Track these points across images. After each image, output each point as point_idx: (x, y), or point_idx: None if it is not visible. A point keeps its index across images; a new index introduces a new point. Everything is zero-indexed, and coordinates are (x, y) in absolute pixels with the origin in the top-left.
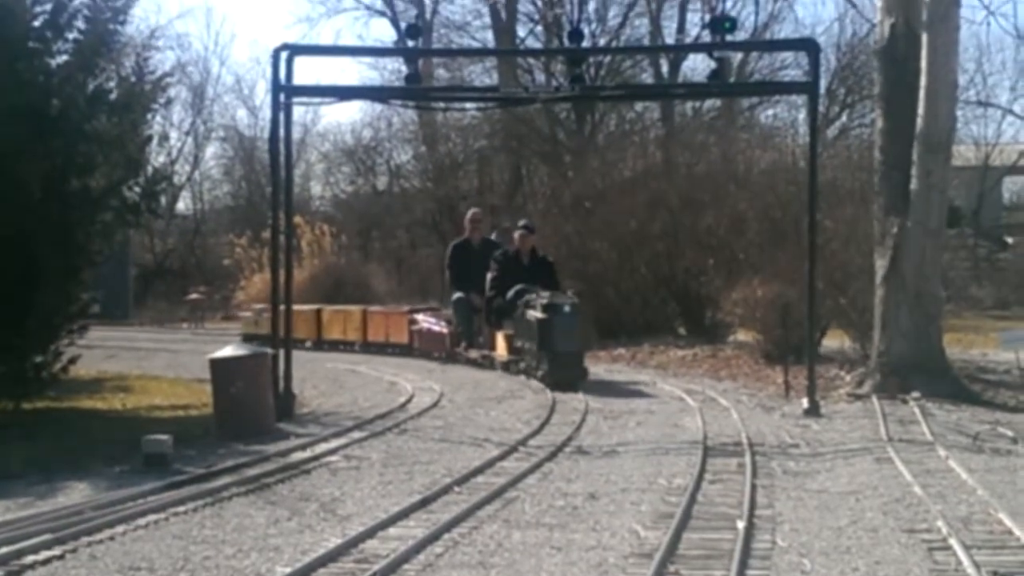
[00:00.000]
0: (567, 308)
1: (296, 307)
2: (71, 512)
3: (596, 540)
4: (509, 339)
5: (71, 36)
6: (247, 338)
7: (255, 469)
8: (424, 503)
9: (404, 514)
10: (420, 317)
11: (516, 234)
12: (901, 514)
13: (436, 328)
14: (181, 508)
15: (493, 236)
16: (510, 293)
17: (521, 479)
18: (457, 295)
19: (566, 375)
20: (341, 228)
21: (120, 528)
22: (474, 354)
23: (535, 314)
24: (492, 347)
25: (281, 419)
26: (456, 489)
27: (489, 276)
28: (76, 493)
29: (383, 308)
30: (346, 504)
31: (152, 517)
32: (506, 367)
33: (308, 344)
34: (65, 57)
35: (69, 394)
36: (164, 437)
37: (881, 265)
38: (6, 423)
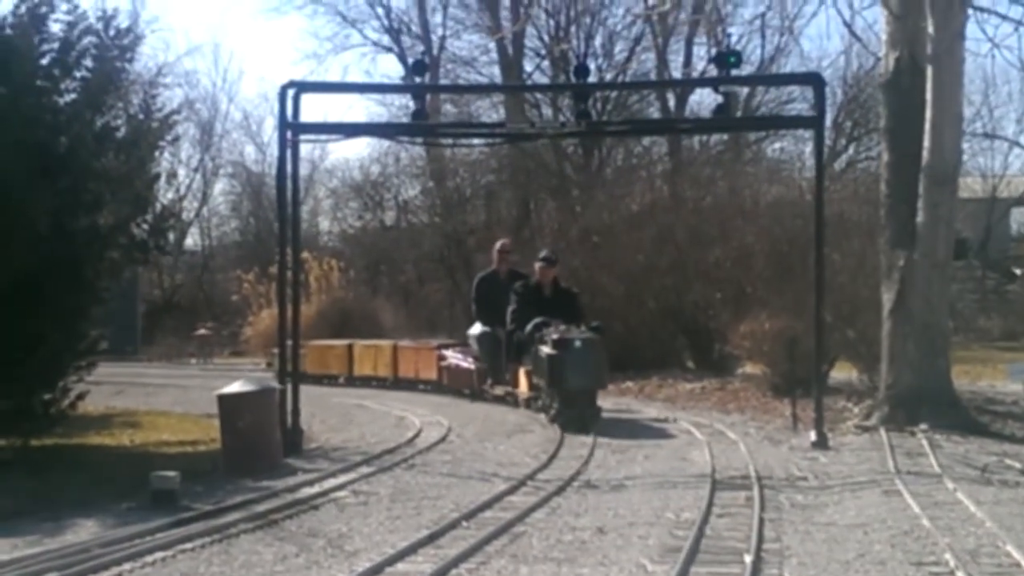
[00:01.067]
0: (578, 344)
1: (328, 342)
2: (78, 550)
3: (604, 574)
4: (529, 375)
5: (79, 74)
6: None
7: (263, 505)
8: (432, 538)
9: (412, 549)
10: (448, 353)
11: (537, 265)
12: (909, 547)
13: (464, 364)
14: (189, 545)
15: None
16: (529, 326)
17: (529, 513)
18: (483, 329)
19: (577, 415)
20: (349, 263)
21: (127, 566)
22: (499, 391)
23: (546, 349)
24: (515, 383)
25: (289, 454)
26: (464, 524)
27: (509, 309)
28: (84, 530)
29: (413, 343)
30: (354, 540)
31: (160, 554)
32: (528, 404)
33: (341, 380)
34: (73, 95)
35: (77, 430)
36: (172, 474)
37: (888, 298)
38: (14, 460)
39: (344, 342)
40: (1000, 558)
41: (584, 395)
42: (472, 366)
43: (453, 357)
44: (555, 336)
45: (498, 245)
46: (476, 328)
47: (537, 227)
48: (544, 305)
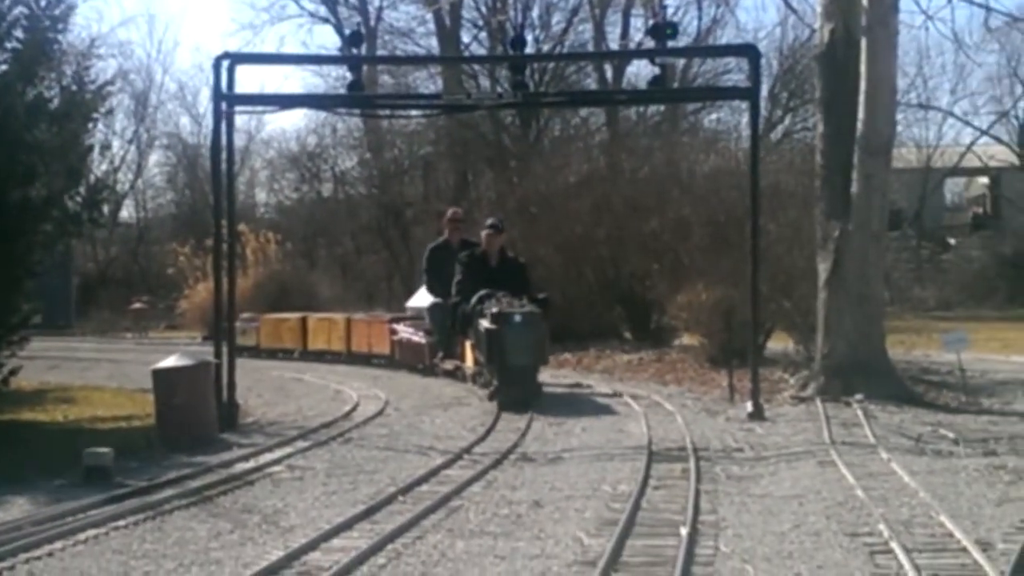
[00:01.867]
0: (518, 318)
1: (281, 315)
2: (9, 528)
3: (540, 548)
4: (475, 349)
5: (9, 45)
6: (236, 350)
7: (197, 481)
8: (368, 513)
9: (348, 525)
10: (400, 327)
11: (483, 233)
12: (844, 518)
13: (415, 338)
14: (122, 522)
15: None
16: (474, 299)
17: (465, 487)
18: (433, 301)
19: (516, 393)
20: (286, 235)
21: (59, 544)
22: (449, 365)
23: (485, 324)
24: (462, 358)
25: (225, 429)
26: (400, 498)
27: (455, 280)
28: (15, 508)
29: (366, 316)
30: (289, 516)
31: (92, 532)
32: (474, 379)
33: (296, 355)
34: (3, 66)
35: (10, 406)
36: (105, 450)
37: (824, 268)
38: None
39: (297, 315)
40: (934, 528)
41: (524, 372)
42: (423, 340)
43: (404, 331)
44: (494, 310)
45: (449, 213)
46: (423, 299)
47: (475, 198)
48: (490, 275)
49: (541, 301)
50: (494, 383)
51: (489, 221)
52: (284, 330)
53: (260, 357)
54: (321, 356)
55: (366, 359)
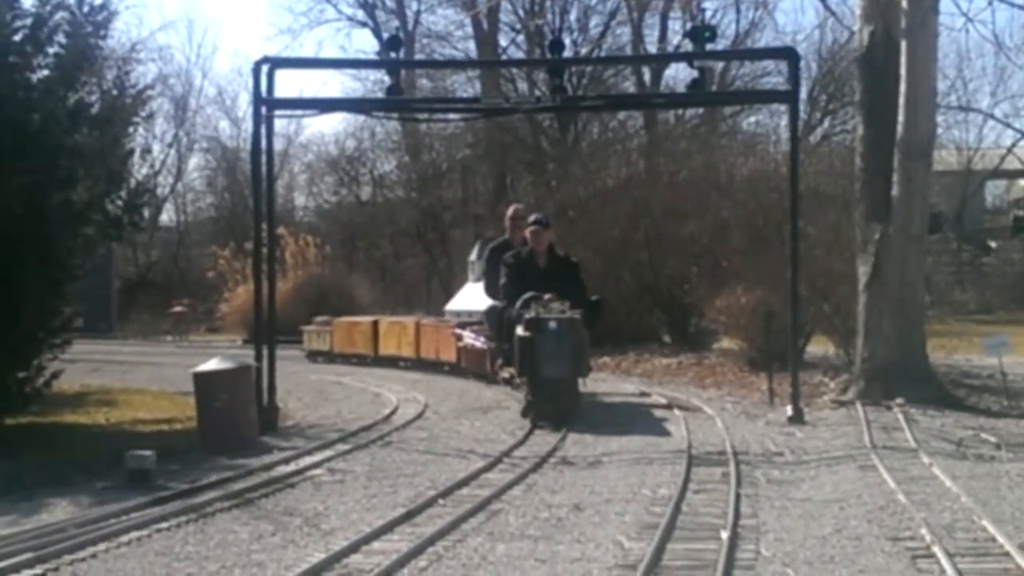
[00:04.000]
0: (553, 324)
1: (354, 319)
2: (54, 530)
3: (580, 552)
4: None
5: (52, 50)
6: (311, 355)
7: (239, 484)
8: (408, 516)
9: (388, 528)
10: (465, 332)
11: (528, 231)
12: (885, 522)
13: (478, 344)
14: (164, 524)
15: (476, 248)
16: (519, 303)
17: (505, 491)
18: (490, 304)
19: (550, 408)
20: (325, 239)
21: (102, 546)
22: (506, 373)
23: (519, 331)
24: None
25: (265, 432)
26: (440, 502)
27: (500, 283)
28: (59, 510)
29: (434, 320)
30: (330, 518)
31: (135, 534)
32: (513, 385)
33: (369, 360)
34: (46, 71)
35: (52, 409)
36: (147, 452)
37: (864, 271)
38: None
39: (369, 319)
40: (975, 532)
41: (559, 385)
42: (486, 346)
43: (468, 336)
44: (528, 315)
45: (510, 211)
46: (463, 302)
47: (513, 202)
48: (539, 277)
49: (594, 304)
50: (527, 397)
51: (533, 216)
52: (357, 334)
53: (335, 362)
54: (393, 362)
55: (435, 366)
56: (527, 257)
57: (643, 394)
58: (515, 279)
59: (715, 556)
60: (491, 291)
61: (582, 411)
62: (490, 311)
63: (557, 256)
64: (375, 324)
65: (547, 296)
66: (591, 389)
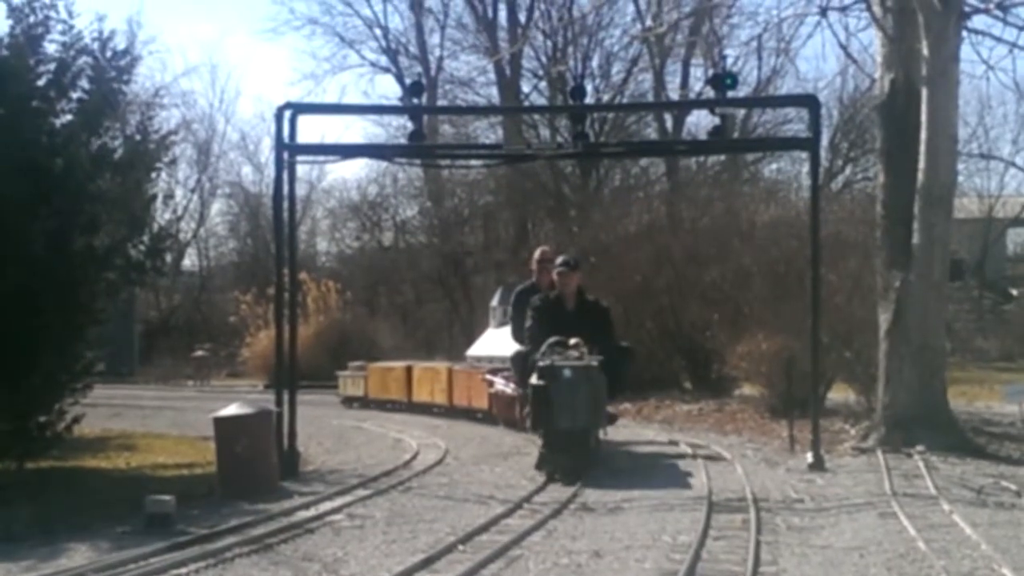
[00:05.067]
0: (568, 372)
1: (387, 364)
2: (73, 575)
3: None
4: None
5: (75, 95)
6: (347, 401)
7: (258, 529)
8: (428, 562)
9: (407, 573)
10: (496, 378)
11: (555, 272)
12: (905, 570)
13: (508, 391)
14: (183, 570)
15: (498, 294)
16: (543, 347)
17: (525, 537)
18: (517, 350)
19: (564, 461)
20: (347, 284)
21: None
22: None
23: (533, 379)
24: None
25: (286, 477)
26: (460, 548)
27: (525, 327)
28: (78, 555)
29: (466, 366)
30: (349, 564)
31: None
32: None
33: (402, 406)
34: (69, 116)
35: (73, 453)
36: (167, 497)
37: (885, 318)
38: (9, 483)
39: (402, 364)
40: None
41: (573, 437)
42: (515, 392)
43: (499, 383)
44: (543, 363)
45: (537, 254)
46: (486, 348)
47: (535, 248)
48: (566, 321)
49: (623, 350)
50: (541, 450)
51: (560, 259)
52: (391, 380)
53: (369, 408)
54: (427, 409)
55: (468, 414)
56: (554, 300)
57: (672, 442)
58: (542, 323)
59: None
60: (517, 335)
61: (603, 456)
62: (516, 356)
63: (586, 300)
64: (408, 369)
65: (573, 341)
66: (611, 436)
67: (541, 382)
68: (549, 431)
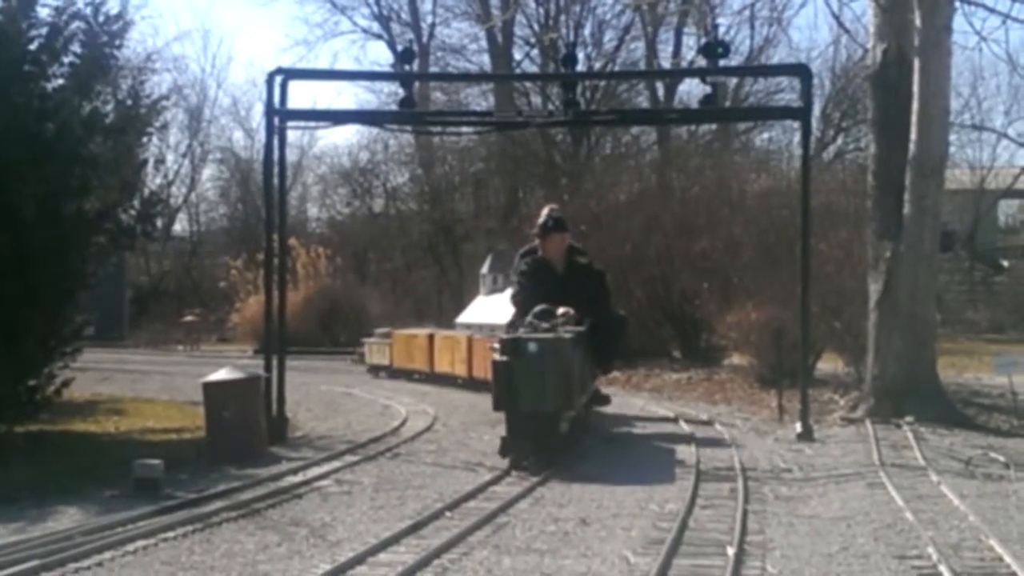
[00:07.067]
0: (533, 346)
1: (411, 331)
2: (59, 537)
3: (586, 566)
4: None
5: (67, 60)
6: (373, 369)
7: (246, 494)
8: (415, 528)
9: (395, 539)
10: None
11: (533, 234)
12: (892, 540)
13: None
14: (171, 534)
15: (488, 261)
16: (530, 315)
17: (512, 504)
18: (513, 315)
19: (527, 446)
20: (337, 250)
21: (108, 554)
22: None
23: (494, 355)
24: None
25: (274, 443)
26: (447, 514)
27: (511, 292)
28: (66, 518)
29: (486, 335)
30: (337, 529)
31: (141, 543)
32: None
33: (419, 376)
34: (61, 81)
35: (62, 417)
36: (155, 461)
37: (875, 289)
38: None
39: (425, 331)
40: (983, 552)
41: (539, 420)
42: None
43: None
44: (506, 337)
45: (545, 211)
46: (475, 315)
47: (526, 215)
48: (557, 286)
49: (619, 319)
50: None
51: (543, 216)
52: (414, 348)
53: (396, 378)
54: (450, 380)
55: (487, 385)
56: (542, 263)
57: (666, 417)
58: (530, 288)
59: (721, 572)
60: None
61: (584, 444)
62: (510, 324)
63: (578, 263)
64: (431, 338)
65: (561, 311)
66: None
67: (503, 358)
68: (511, 414)
